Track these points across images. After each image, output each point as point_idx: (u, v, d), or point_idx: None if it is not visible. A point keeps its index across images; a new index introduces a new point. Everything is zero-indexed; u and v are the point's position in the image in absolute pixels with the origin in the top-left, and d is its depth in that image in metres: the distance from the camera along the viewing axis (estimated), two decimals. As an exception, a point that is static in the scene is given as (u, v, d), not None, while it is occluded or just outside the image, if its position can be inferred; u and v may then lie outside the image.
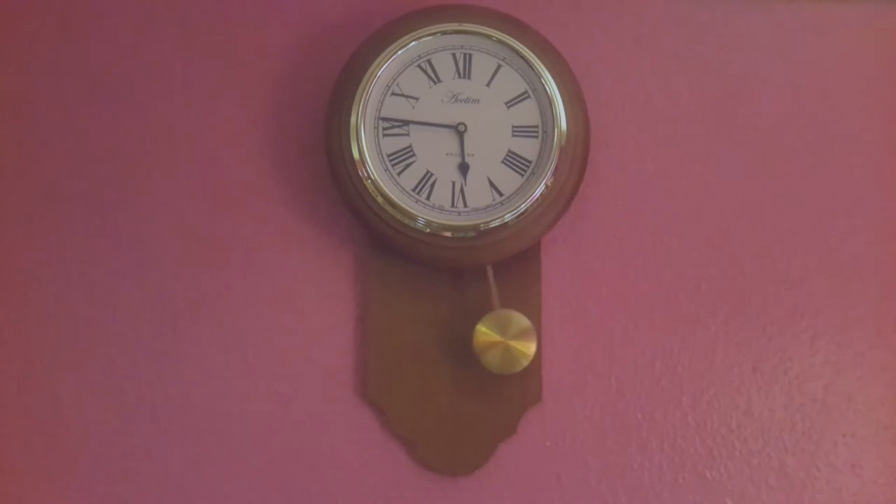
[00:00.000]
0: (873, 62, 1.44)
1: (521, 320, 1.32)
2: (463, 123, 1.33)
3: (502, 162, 1.33)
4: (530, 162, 1.33)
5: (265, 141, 1.41)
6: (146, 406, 1.38)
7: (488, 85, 1.34)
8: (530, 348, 1.32)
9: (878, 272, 1.41)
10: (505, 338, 1.32)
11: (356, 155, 1.32)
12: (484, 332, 1.32)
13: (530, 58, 1.33)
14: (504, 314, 1.32)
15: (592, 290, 1.40)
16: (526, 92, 1.34)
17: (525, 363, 1.32)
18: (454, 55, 1.34)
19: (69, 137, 1.41)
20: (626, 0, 1.43)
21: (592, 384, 1.39)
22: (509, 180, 1.33)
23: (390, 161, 1.33)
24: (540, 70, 1.33)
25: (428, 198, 1.33)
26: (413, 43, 1.33)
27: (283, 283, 1.40)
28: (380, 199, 1.31)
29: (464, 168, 1.33)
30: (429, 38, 1.33)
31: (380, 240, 1.35)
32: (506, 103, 1.34)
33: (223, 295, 1.39)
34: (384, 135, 1.33)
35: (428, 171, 1.33)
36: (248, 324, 1.39)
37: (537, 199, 1.32)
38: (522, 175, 1.33)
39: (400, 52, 1.33)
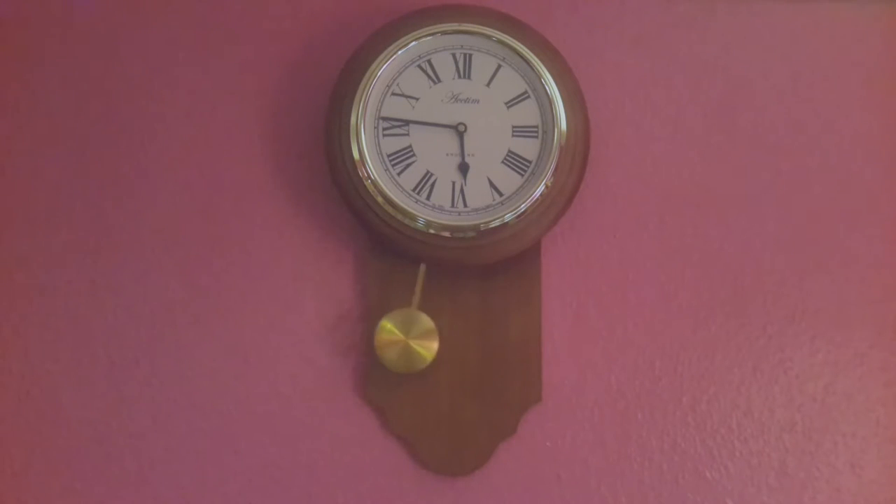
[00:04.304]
0: (873, 62, 1.44)
1: (425, 321, 1.32)
2: (463, 123, 1.33)
3: (502, 162, 1.33)
4: (530, 162, 1.33)
5: (265, 141, 1.41)
6: (146, 406, 1.38)
7: (488, 85, 1.34)
8: (431, 348, 1.32)
9: (878, 272, 1.41)
10: (406, 336, 1.32)
11: (356, 155, 1.32)
12: (387, 328, 1.32)
13: (530, 58, 1.33)
14: (411, 314, 1.33)
15: (592, 290, 1.40)
16: (526, 92, 1.34)
17: (423, 364, 1.32)
18: (454, 55, 1.34)
19: (69, 138, 1.41)
20: (626, 0, 1.43)
21: (592, 384, 1.40)
22: (509, 180, 1.33)
23: (390, 161, 1.33)
24: (540, 70, 1.33)
25: (428, 198, 1.33)
26: (413, 43, 1.33)
27: (283, 283, 1.40)
28: (380, 199, 1.31)
29: (464, 168, 1.33)
30: (429, 38, 1.33)
31: (380, 240, 1.35)
32: (506, 103, 1.34)
33: (223, 295, 1.39)
34: (384, 135, 1.33)
35: (428, 171, 1.33)
36: (248, 324, 1.39)
37: (537, 199, 1.32)
38: (522, 175, 1.33)
39: (400, 52, 1.33)
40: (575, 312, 1.40)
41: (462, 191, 1.33)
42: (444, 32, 1.33)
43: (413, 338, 1.32)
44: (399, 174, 1.33)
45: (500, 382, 1.37)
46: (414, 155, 1.33)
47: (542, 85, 1.33)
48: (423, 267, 1.34)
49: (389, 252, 1.36)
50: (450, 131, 1.33)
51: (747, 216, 1.41)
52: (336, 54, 1.37)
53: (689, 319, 1.40)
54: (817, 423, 1.40)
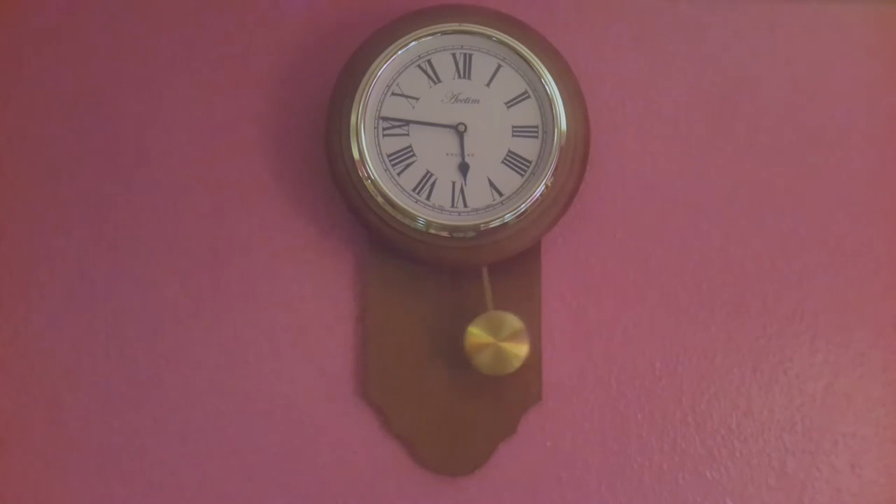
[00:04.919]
0: (873, 62, 1.44)
1: (513, 322, 1.32)
2: (463, 123, 1.33)
3: (502, 162, 1.33)
4: (530, 162, 1.33)
5: (265, 141, 1.41)
6: (146, 406, 1.38)
7: (488, 85, 1.34)
8: (522, 350, 1.31)
9: (878, 272, 1.41)
10: (497, 339, 1.32)
11: (356, 155, 1.32)
12: (476, 333, 1.32)
13: (530, 58, 1.33)
14: (497, 315, 1.32)
15: (592, 290, 1.40)
16: (526, 92, 1.34)
17: (517, 364, 1.32)
18: (454, 55, 1.34)
19: (69, 138, 1.41)
20: (626, 0, 1.43)
21: (592, 384, 1.39)
22: (509, 180, 1.33)
23: (390, 161, 1.33)
24: (540, 70, 1.33)
25: (428, 198, 1.33)
26: (413, 43, 1.33)
27: (283, 283, 1.40)
28: (380, 199, 1.31)
29: (464, 168, 1.33)
30: (429, 38, 1.33)
31: (380, 240, 1.35)
32: (506, 103, 1.34)
33: (223, 295, 1.39)
34: (384, 135, 1.33)
35: (428, 171, 1.33)
36: (248, 324, 1.39)
37: (537, 199, 1.32)
38: (522, 175, 1.33)
39: (400, 52, 1.33)
40: (575, 312, 1.40)
41: (462, 191, 1.33)
42: (444, 32, 1.33)
43: (503, 339, 1.32)
44: (399, 174, 1.33)
45: (500, 382, 1.36)
46: (414, 155, 1.33)
47: (542, 85, 1.33)
48: (485, 269, 1.33)
49: (389, 252, 1.36)
50: (450, 131, 1.33)
51: (747, 216, 1.41)
52: (336, 54, 1.37)
53: (689, 319, 1.40)
54: (817, 423, 1.40)
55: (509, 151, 1.33)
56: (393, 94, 1.33)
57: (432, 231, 1.32)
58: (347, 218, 1.37)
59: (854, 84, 1.43)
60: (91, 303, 1.39)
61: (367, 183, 1.31)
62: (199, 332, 1.39)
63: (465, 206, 1.33)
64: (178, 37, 1.42)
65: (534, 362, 1.37)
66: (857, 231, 1.42)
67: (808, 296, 1.41)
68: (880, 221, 1.42)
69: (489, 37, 1.33)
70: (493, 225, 1.31)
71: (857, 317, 1.41)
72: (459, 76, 1.34)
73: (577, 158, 1.34)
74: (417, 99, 1.33)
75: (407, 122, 1.33)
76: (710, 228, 1.41)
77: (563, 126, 1.32)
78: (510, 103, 1.34)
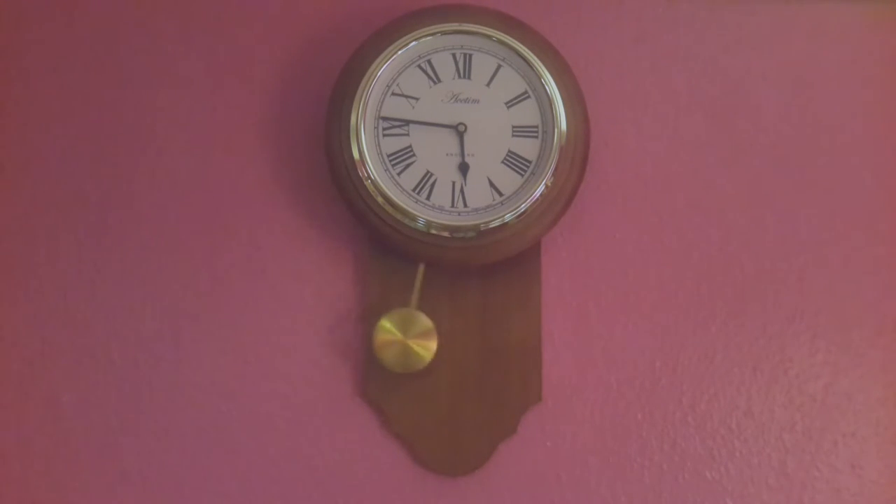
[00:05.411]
0: (873, 62, 1.44)
1: (424, 321, 1.32)
2: (463, 123, 1.33)
3: (502, 162, 1.33)
4: (530, 162, 1.33)
5: (265, 141, 1.41)
6: (146, 406, 1.38)
7: (488, 85, 1.34)
8: (429, 349, 1.32)
9: (878, 272, 1.42)
10: (405, 337, 1.32)
11: (356, 155, 1.32)
12: (386, 328, 1.32)
13: (530, 58, 1.33)
14: (409, 313, 1.33)
15: (592, 290, 1.40)
16: (526, 92, 1.34)
17: (423, 364, 1.32)
18: (454, 55, 1.34)
19: (69, 138, 1.41)
20: (626, 0, 1.43)
21: (592, 384, 1.40)
22: (509, 180, 1.33)
23: (390, 161, 1.33)
24: (540, 70, 1.33)
25: (428, 198, 1.33)
26: (413, 43, 1.33)
27: (283, 283, 1.40)
28: (380, 199, 1.31)
29: (464, 168, 1.33)
30: (429, 38, 1.33)
31: (380, 240, 1.35)
32: (506, 103, 1.34)
33: (223, 295, 1.39)
34: (384, 135, 1.33)
35: (428, 171, 1.33)
36: (248, 324, 1.39)
37: (537, 199, 1.32)
38: (522, 175, 1.33)
39: (400, 52, 1.33)
40: (575, 312, 1.40)
41: (462, 191, 1.33)
42: (444, 32, 1.33)
43: (411, 338, 1.32)
44: (399, 174, 1.33)
45: (500, 382, 1.37)
46: (414, 155, 1.33)
47: (542, 85, 1.33)
48: (421, 267, 1.34)
49: (389, 252, 1.36)
50: (450, 131, 1.33)
51: (747, 216, 1.42)
52: (336, 54, 1.37)
53: (689, 319, 1.40)
54: (817, 423, 1.40)
55: (509, 151, 1.33)
56: (393, 94, 1.33)
57: (432, 231, 1.32)
58: (347, 218, 1.37)
59: (854, 84, 1.43)
60: (91, 302, 1.39)
61: (367, 183, 1.32)
62: (200, 332, 1.39)
63: (465, 206, 1.33)
64: (177, 37, 1.42)
65: (534, 362, 1.37)
66: (857, 231, 1.42)
67: (808, 296, 1.41)
68: (880, 221, 1.42)
69: (489, 37, 1.33)
70: (493, 225, 1.31)
71: (857, 317, 1.41)
72: (459, 76, 1.34)
73: (577, 158, 1.34)
74: (417, 99, 1.34)
75: (407, 122, 1.33)
76: (709, 228, 1.41)
77: (563, 126, 1.32)
78: (510, 103, 1.34)
